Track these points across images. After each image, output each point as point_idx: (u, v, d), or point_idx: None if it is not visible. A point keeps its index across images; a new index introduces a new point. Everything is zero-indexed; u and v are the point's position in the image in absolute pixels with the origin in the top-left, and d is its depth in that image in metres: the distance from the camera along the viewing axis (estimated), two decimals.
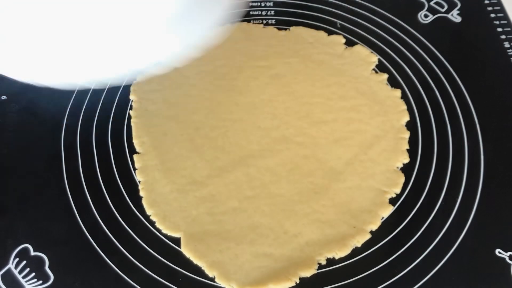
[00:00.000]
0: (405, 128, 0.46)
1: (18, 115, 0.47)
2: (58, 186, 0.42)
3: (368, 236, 0.40)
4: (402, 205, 0.42)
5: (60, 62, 0.33)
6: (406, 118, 0.46)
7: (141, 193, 0.42)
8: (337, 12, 0.55)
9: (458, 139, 0.45)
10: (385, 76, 0.49)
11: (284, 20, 0.54)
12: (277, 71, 0.49)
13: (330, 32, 0.53)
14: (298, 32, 0.53)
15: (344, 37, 0.52)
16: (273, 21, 0.54)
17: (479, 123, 0.46)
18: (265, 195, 0.42)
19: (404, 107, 0.47)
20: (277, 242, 0.39)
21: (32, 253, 0.39)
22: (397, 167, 0.44)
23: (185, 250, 0.39)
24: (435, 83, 0.49)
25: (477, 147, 0.45)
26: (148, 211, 0.41)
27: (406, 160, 0.44)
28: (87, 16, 0.31)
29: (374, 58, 0.51)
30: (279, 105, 0.47)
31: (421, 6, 0.56)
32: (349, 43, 0.52)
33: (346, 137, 0.45)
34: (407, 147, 0.45)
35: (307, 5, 0.55)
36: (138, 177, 0.43)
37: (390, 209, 0.41)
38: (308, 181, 0.42)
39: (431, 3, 0.56)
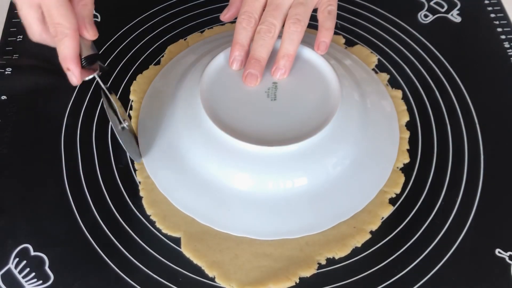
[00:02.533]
0: (405, 128, 0.46)
1: (18, 115, 0.47)
2: (58, 186, 0.42)
3: (368, 236, 0.40)
4: (402, 205, 0.42)
5: None
6: (406, 118, 0.46)
7: (141, 193, 0.42)
8: (337, 12, 0.54)
9: (458, 139, 0.45)
10: (385, 76, 0.49)
11: None
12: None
13: None
14: None
15: (344, 37, 0.52)
16: None
17: (479, 123, 0.46)
18: None
19: (404, 107, 0.47)
20: (277, 242, 0.39)
21: (32, 253, 0.39)
22: (397, 167, 0.43)
23: (185, 250, 0.39)
24: (435, 83, 0.49)
25: (477, 147, 0.45)
26: (148, 211, 0.41)
27: (406, 160, 0.44)
28: None
29: (374, 58, 0.51)
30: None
31: (421, 6, 0.56)
32: (349, 43, 0.52)
33: None
34: (407, 147, 0.45)
35: None
36: (138, 177, 0.43)
37: (390, 209, 0.41)
38: None
39: (431, 3, 0.56)
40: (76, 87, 0.48)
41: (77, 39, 0.38)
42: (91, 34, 0.40)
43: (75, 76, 0.39)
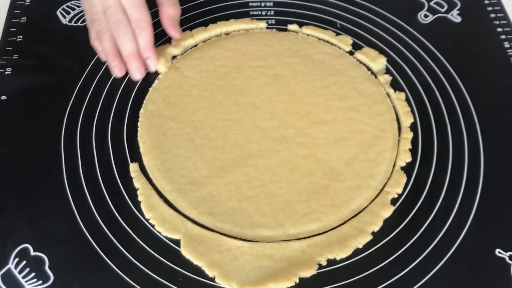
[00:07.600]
0: (409, 129, 0.46)
1: (18, 115, 0.47)
2: (58, 186, 0.42)
3: (370, 237, 0.40)
4: (402, 205, 0.42)
5: None
6: (410, 119, 0.46)
7: (140, 198, 0.42)
8: (337, 12, 0.55)
9: (458, 139, 0.45)
10: (388, 78, 0.49)
11: (284, 20, 0.54)
12: (276, 71, 0.49)
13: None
14: (306, 32, 0.53)
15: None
16: (273, 21, 0.54)
17: (479, 123, 0.46)
18: (265, 195, 0.42)
19: (408, 109, 0.47)
20: (278, 244, 0.39)
21: (32, 253, 0.39)
22: (400, 167, 0.43)
23: (185, 252, 0.39)
24: (435, 83, 0.49)
25: (477, 147, 0.45)
26: (147, 215, 0.41)
27: (409, 159, 0.44)
28: None
29: (383, 59, 0.50)
30: (279, 105, 0.47)
31: (421, 6, 0.56)
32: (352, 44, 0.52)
33: (346, 137, 0.45)
34: (410, 146, 0.45)
35: (307, 5, 0.55)
36: (135, 184, 0.42)
37: (391, 210, 0.41)
38: (308, 181, 0.42)
39: (431, 3, 0.56)
40: (76, 87, 0.48)
41: (153, 32, 0.47)
42: (174, 33, 0.49)
43: (154, 62, 0.48)
